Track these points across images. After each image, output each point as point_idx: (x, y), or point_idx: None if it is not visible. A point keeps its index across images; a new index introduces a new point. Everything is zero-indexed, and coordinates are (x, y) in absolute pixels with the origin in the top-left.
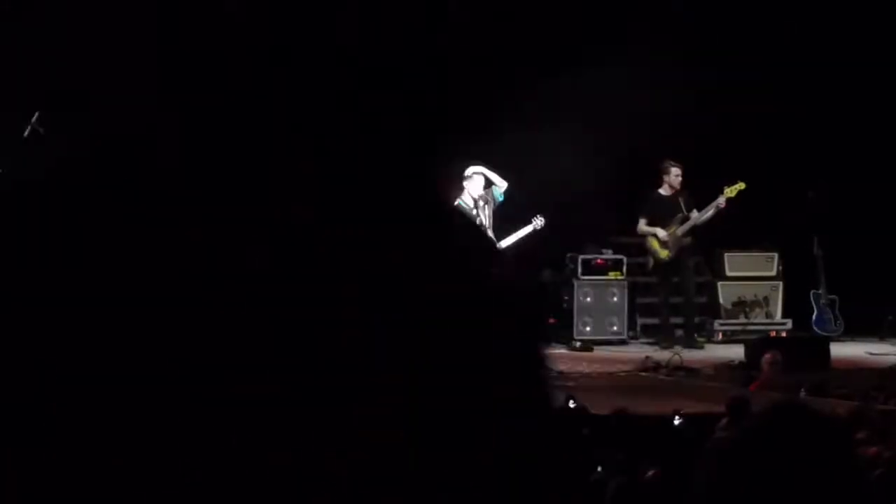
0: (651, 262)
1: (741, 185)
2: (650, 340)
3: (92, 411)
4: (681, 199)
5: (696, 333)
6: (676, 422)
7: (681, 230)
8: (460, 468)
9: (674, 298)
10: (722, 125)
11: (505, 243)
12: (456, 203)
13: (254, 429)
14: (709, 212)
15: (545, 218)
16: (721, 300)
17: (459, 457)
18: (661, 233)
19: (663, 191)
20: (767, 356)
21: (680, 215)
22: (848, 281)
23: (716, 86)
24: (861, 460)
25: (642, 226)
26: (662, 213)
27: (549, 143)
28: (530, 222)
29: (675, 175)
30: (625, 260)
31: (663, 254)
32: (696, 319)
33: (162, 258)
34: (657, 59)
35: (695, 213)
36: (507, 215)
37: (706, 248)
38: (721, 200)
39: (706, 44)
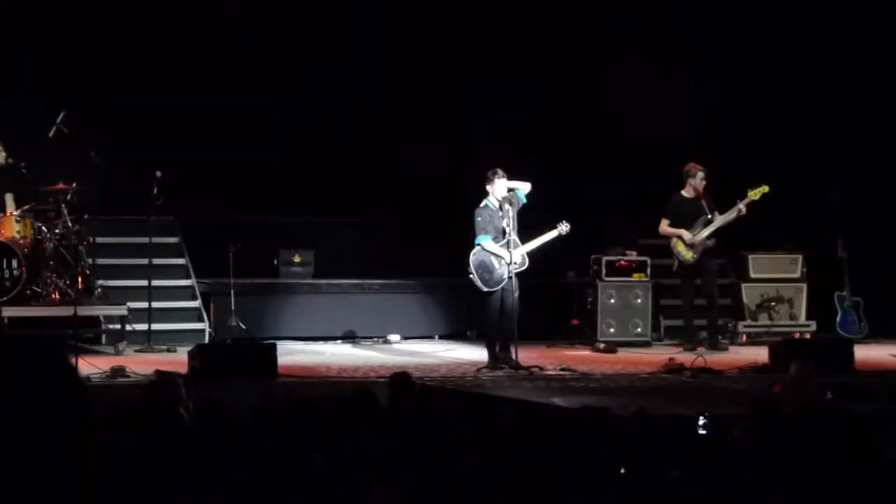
0: (676, 263)
1: (765, 189)
2: (674, 342)
3: None
4: (704, 202)
5: (720, 335)
6: (700, 423)
7: (705, 232)
8: None
9: (698, 300)
10: (745, 126)
11: (529, 247)
12: (483, 204)
13: None
14: (731, 215)
15: (569, 222)
16: (745, 302)
17: None
18: (686, 234)
19: (686, 193)
20: (796, 366)
21: (703, 217)
22: (872, 283)
23: (738, 87)
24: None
25: (665, 227)
26: (685, 215)
27: (573, 143)
28: (555, 227)
29: (700, 179)
30: (649, 261)
31: (688, 255)
32: (720, 321)
33: None
34: (679, 61)
35: (717, 216)
36: (535, 217)
37: (730, 249)
38: (742, 205)
39: (727, 45)
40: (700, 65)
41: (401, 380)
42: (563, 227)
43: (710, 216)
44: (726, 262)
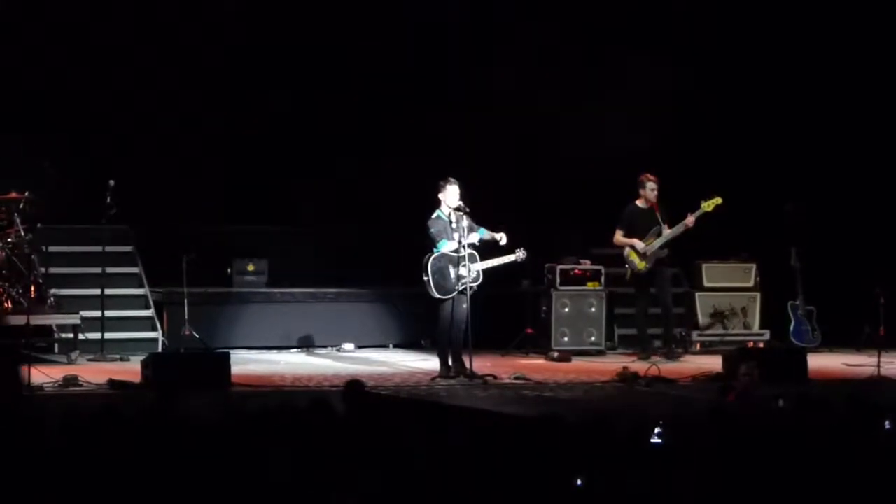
0: (628, 272)
1: (718, 200)
2: (628, 351)
3: None
4: (657, 212)
5: (675, 345)
6: (655, 432)
7: (658, 242)
8: None
9: (653, 310)
10: (701, 136)
11: (485, 265)
12: (435, 215)
13: None
14: (681, 227)
15: (523, 231)
16: (699, 311)
17: None
18: (639, 244)
19: (641, 203)
20: (744, 367)
21: (657, 227)
22: (825, 292)
23: (692, 96)
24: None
25: (619, 237)
26: (639, 225)
27: (526, 151)
28: (513, 252)
29: (650, 189)
30: (603, 270)
31: (641, 265)
32: (675, 330)
33: None
34: (632, 69)
35: (669, 227)
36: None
37: (684, 259)
38: (693, 217)
39: (685, 53)
40: (654, 73)
41: (354, 388)
42: (521, 255)
43: (662, 226)
44: (680, 271)
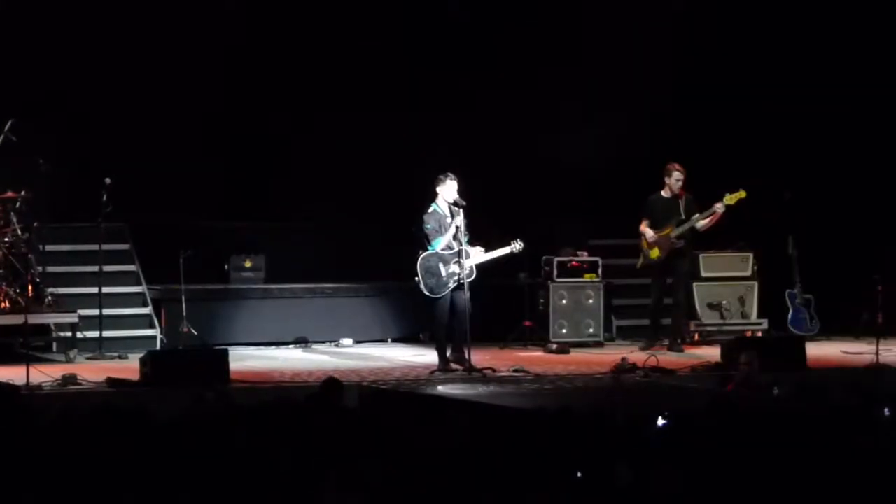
0: (640, 261)
1: (742, 194)
2: (626, 342)
3: None
4: (681, 202)
5: (678, 338)
6: (659, 423)
7: (674, 233)
8: None
9: (665, 300)
10: (698, 126)
11: (479, 259)
12: (431, 209)
13: None
14: (701, 220)
15: (520, 223)
16: (697, 301)
17: None
18: (648, 233)
19: (665, 193)
20: (743, 357)
21: (677, 218)
22: (823, 280)
23: (692, 87)
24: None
25: (643, 226)
26: (660, 215)
27: (522, 142)
28: (509, 244)
29: (675, 179)
30: (600, 262)
31: (653, 254)
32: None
33: None
34: (630, 58)
35: (692, 218)
36: (486, 221)
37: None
38: (718, 207)
39: (684, 48)
40: (653, 61)
41: (330, 385)
42: (517, 246)
43: (682, 217)
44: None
